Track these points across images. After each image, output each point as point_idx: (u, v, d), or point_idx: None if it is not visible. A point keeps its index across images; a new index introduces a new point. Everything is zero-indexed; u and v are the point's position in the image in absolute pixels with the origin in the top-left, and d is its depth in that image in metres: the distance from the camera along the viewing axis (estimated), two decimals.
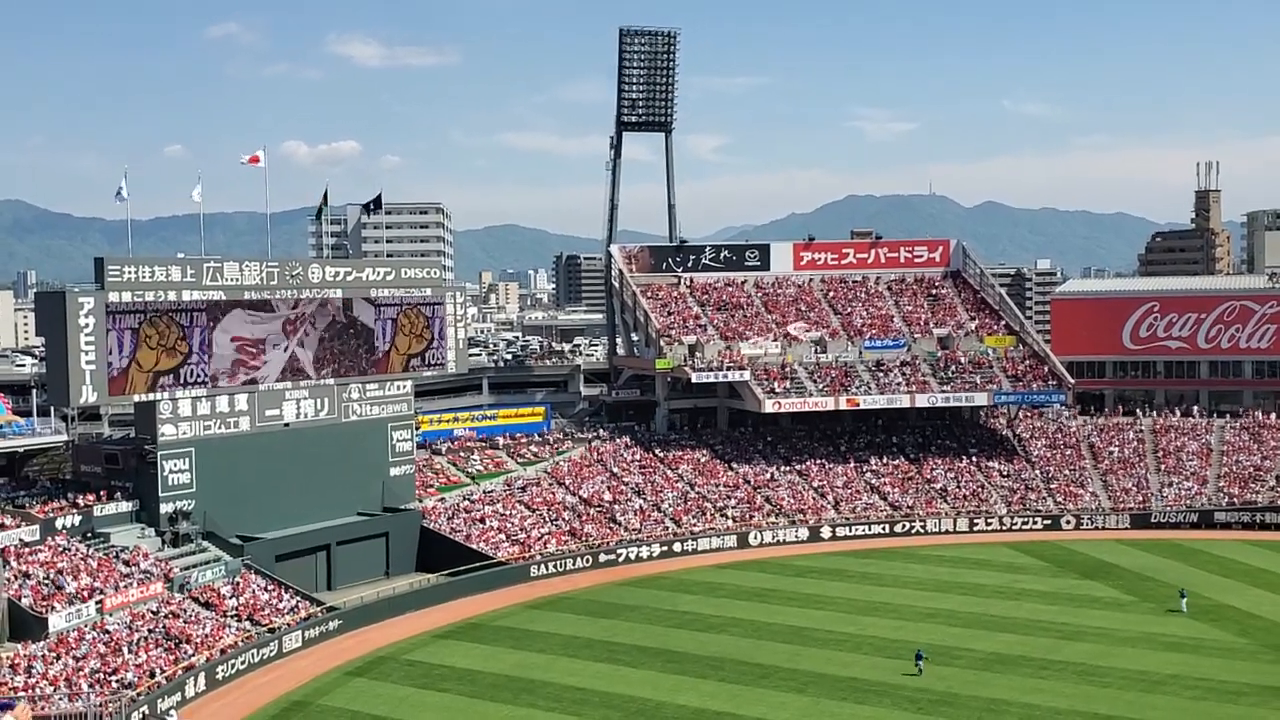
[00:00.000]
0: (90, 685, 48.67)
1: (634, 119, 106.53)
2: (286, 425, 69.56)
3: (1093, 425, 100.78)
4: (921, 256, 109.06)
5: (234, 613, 59.60)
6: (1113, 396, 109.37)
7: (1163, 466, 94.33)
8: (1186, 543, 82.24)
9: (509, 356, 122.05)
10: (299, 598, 63.06)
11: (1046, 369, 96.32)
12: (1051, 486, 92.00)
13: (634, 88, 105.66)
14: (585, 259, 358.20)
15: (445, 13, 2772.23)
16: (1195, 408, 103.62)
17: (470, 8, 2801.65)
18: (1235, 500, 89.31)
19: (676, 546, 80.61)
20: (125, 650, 52.33)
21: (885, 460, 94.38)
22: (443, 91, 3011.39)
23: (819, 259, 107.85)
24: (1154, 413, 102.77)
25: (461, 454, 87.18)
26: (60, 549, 58.57)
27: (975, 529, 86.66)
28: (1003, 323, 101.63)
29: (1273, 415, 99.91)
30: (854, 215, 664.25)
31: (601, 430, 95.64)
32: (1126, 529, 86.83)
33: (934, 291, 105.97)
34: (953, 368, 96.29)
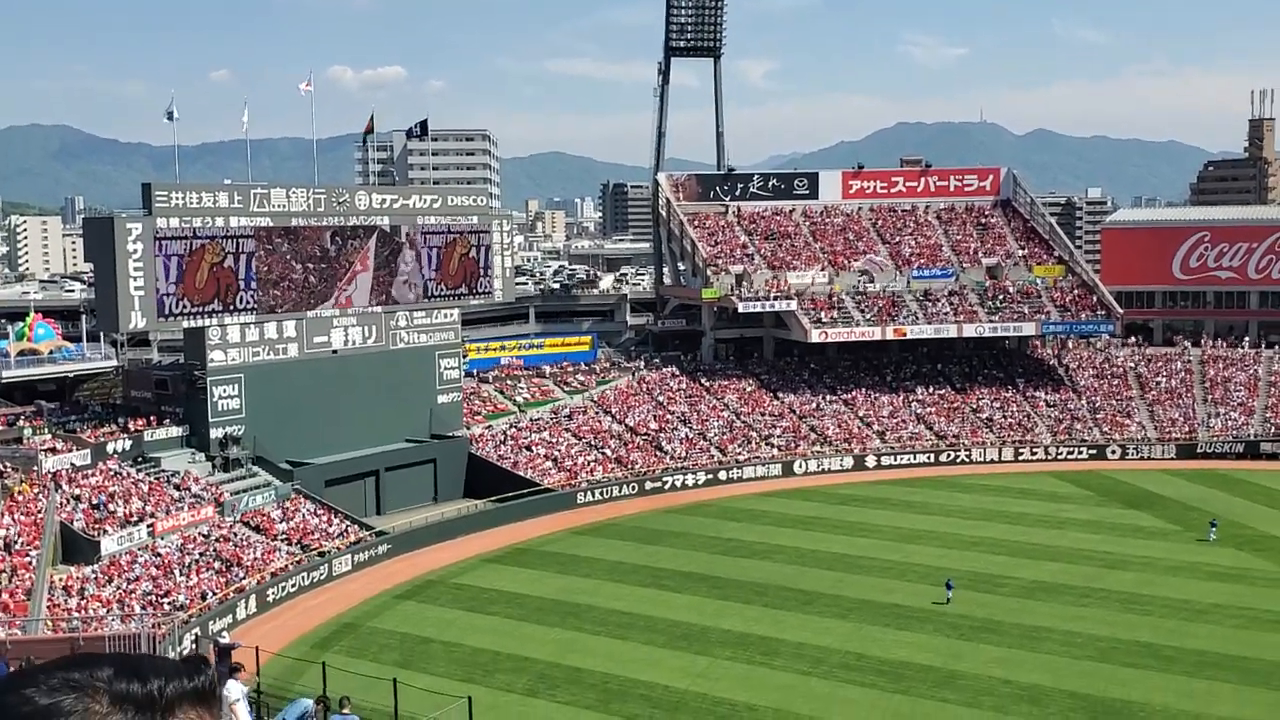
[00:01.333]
0: (142, 607, 49.63)
1: (682, 44, 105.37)
2: (334, 352, 70.18)
3: (1140, 355, 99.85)
4: (971, 185, 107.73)
5: (284, 536, 60.60)
6: (1161, 326, 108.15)
7: (1210, 397, 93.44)
8: (1232, 473, 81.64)
9: (556, 285, 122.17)
10: (348, 522, 63.99)
11: (1095, 299, 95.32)
12: (1098, 416, 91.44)
13: (682, 12, 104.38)
14: (632, 187, 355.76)
15: None
16: (1245, 339, 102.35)
17: None
18: None
19: (722, 475, 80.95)
20: (177, 573, 53.39)
21: (931, 390, 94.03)
22: (488, 16, 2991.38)
23: (868, 188, 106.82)
24: (1201, 344, 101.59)
25: (508, 382, 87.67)
26: (111, 473, 59.65)
27: (1020, 458, 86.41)
28: (1054, 253, 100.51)
29: None
30: (903, 143, 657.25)
31: (648, 359, 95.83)
32: (1172, 459, 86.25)
33: (983, 221, 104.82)
34: (1001, 298, 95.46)
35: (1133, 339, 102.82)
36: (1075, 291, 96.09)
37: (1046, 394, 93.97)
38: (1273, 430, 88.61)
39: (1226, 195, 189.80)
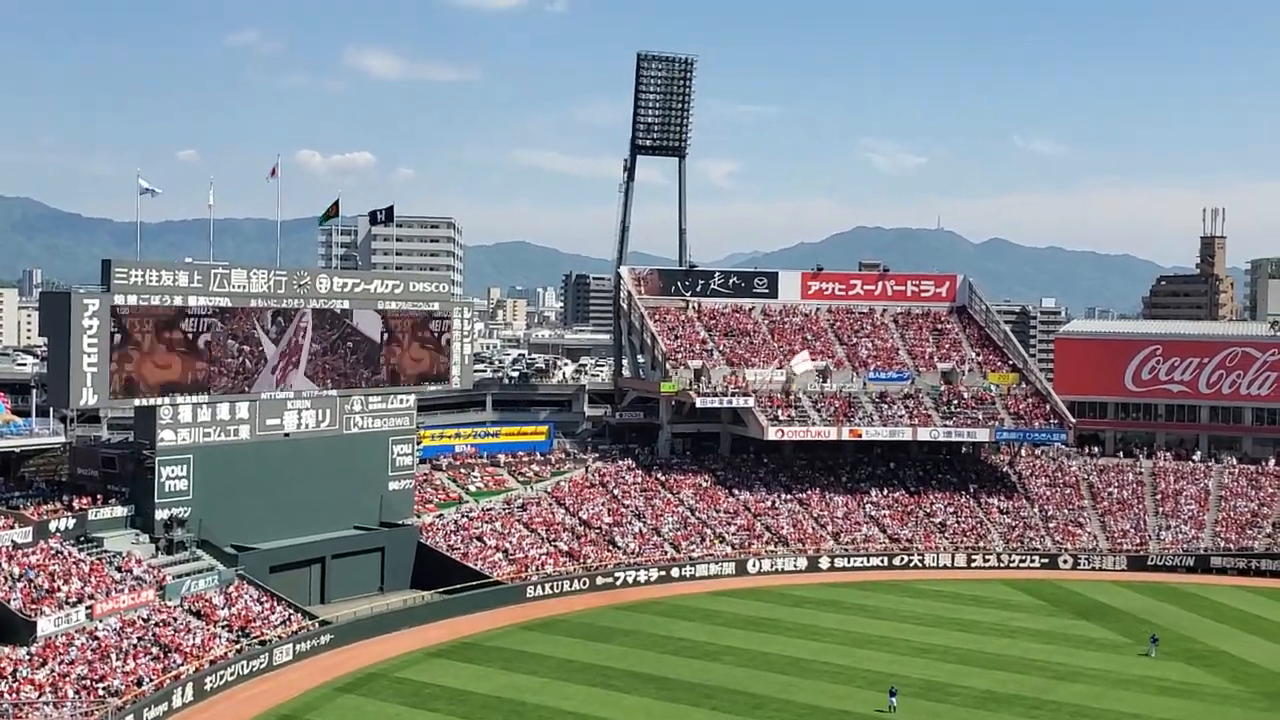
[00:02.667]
0: (76, 692, 48.43)
1: (648, 142, 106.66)
2: (287, 435, 69.44)
3: (1093, 465, 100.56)
4: (928, 291, 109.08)
5: (225, 623, 59.33)
6: (1113, 437, 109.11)
7: (1161, 509, 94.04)
8: (1182, 586, 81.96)
9: (514, 374, 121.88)
10: (292, 610, 62.79)
11: (1048, 407, 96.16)
12: (1050, 525, 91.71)
13: (649, 112, 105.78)
14: (595, 279, 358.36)
15: (465, 29, 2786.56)
16: (1194, 454, 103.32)
17: (490, 25, 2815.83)
18: (1232, 545, 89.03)
19: (674, 571, 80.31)
20: (114, 657, 52.10)
21: (886, 492, 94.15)
22: (459, 107, 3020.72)
23: (826, 289, 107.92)
24: (1154, 455, 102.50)
25: (462, 470, 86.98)
26: (53, 552, 58.37)
27: (973, 564, 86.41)
28: (1008, 361, 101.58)
29: (1271, 462, 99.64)
30: (862, 246, 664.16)
31: (604, 451, 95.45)
32: (1124, 570, 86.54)
33: (939, 326, 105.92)
34: (955, 403, 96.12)
35: (1085, 449, 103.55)
36: (1029, 400, 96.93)
37: (1000, 500, 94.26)
38: (1222, 545, 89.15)
39: (1179, 310, 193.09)
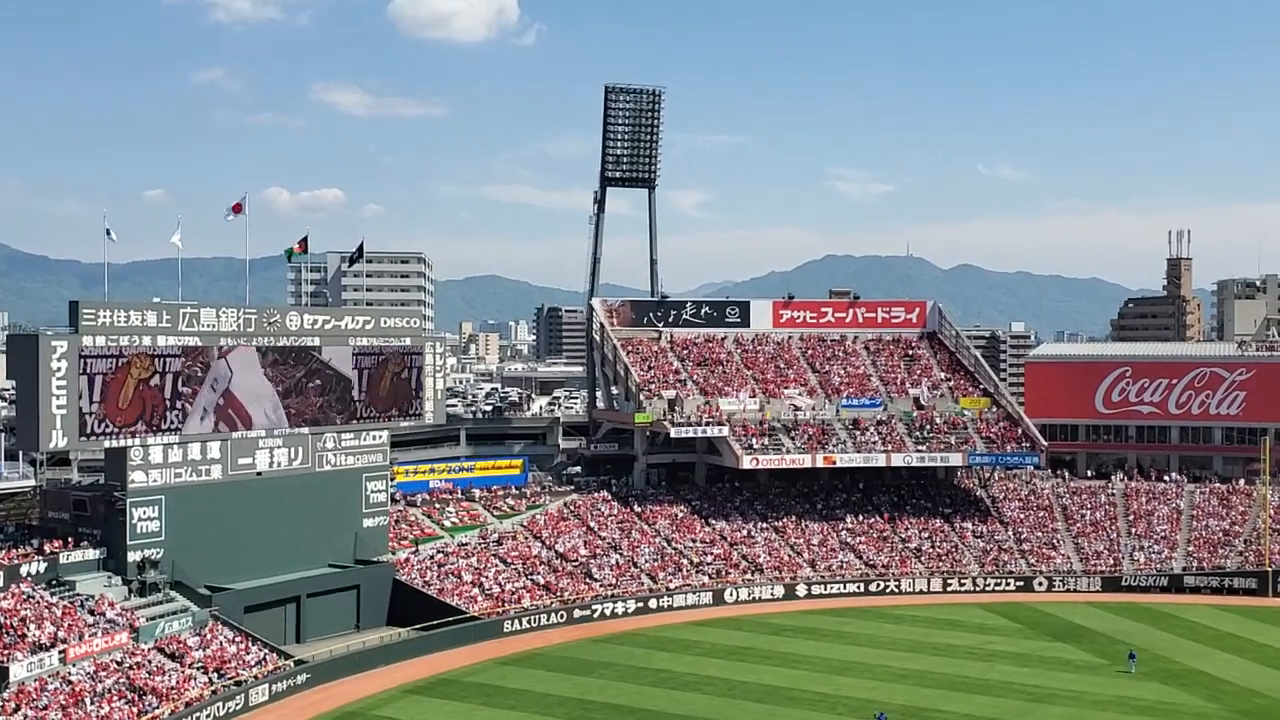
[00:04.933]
0: None
1: (617, 175, 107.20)
2: (259, 474, 69.11)
3: (1065, 487, 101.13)
4: (898, 317, 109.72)
5: (200, 664, 58.84)
6: (1085, 459, 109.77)
7: (1134, 530, 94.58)
8: (1156, 606, 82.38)
9: (488, 408, 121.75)
10: (267, 650, 62.34)
11: (1020, 431, 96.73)
12: (1024, 548, 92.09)
13: (618, 144, 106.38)
14: (566, 311, 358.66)
15: (432, 64, 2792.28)
16: (1167, 474, 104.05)
17: (457, 60, 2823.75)
18: (1204, 565, 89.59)
19: (652, 603, 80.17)
20: (88, 701, 51.61)
21: (861, 518, 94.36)
22: (427, 142, 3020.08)
23: (798, 317, 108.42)
24: (1125, 477, 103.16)
25: (437, 506, 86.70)
26: (24, 596, 57.82)
27: (949, 589, 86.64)
28: (979, 385, 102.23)
29: (1242, 481, 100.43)
30: (833, 275, 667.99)
31: (579, 484, 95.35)
32: (1098, 591, 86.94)
33: (910, 352, 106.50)
34: (928, 428, 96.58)
35: (1057, 472, 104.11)
36: (1000, 424, 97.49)
37: (973, 524, 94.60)
38: (1195, 565, 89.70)
39: (1147, 332, 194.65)
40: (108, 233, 68.99)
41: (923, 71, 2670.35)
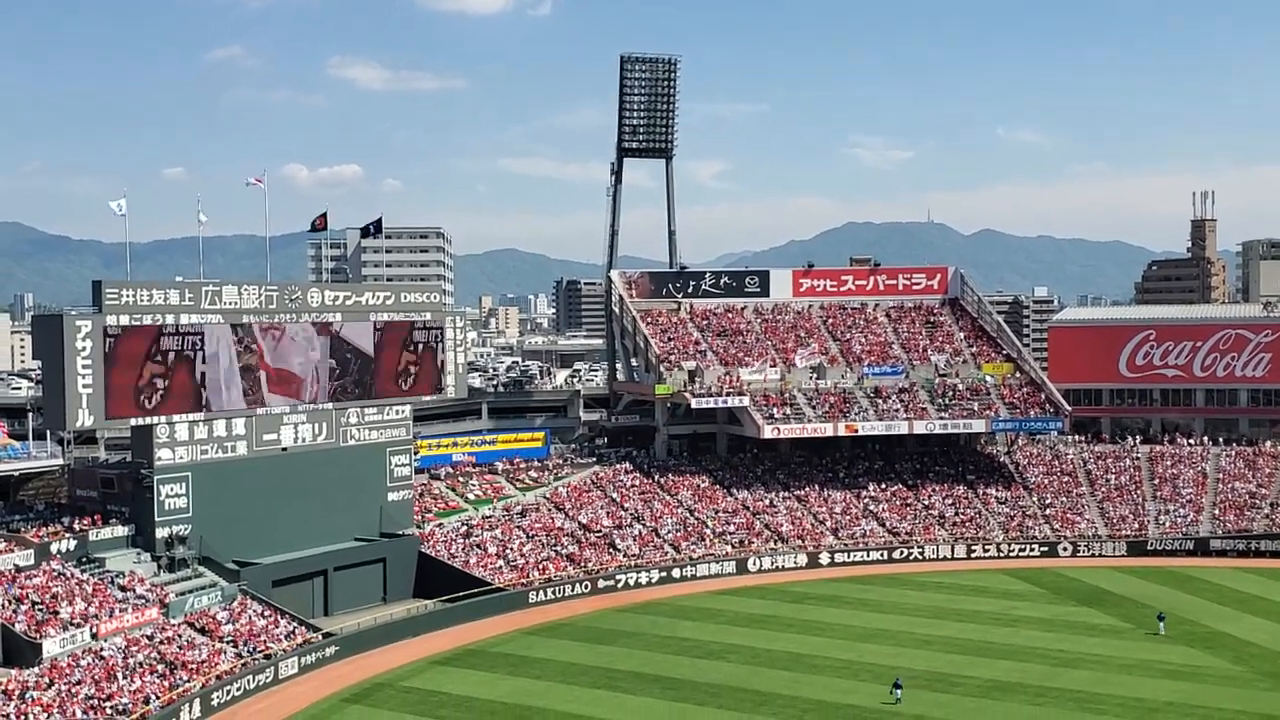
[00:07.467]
0: (84, 712, 48.59)
1: (634, 145, 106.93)
2: (284, 450, 69.57)
3: (1089, 452, 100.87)
4: (920, 284, 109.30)
5: (230, 639, 59.44)
6: (1109, 423, 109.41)
7: (1159, 494, 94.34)
8: (1182, 570, 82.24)
9: (508, 381, 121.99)
10: (295, 623, 62.90)
11: (1043, 396, 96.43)
12: (1048, 513, 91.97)
13: (635, 114, 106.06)
14: (585, 284, 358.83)
15: (448, 37, 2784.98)
16: (1191, 437, 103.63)
17: (473, 32, 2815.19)
18: (1230, 528, 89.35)
19: (675, 573, 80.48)
20: (120, 676, 52.19)
21: (883, 486, 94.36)
22: (444, 117, 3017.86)
23: (818, 286, 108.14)
24: (1150, 440, 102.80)
25: (460, 479, 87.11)
26: (55, 574, 58.46)
27: (973, 555, 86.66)
28: (1001, 351, 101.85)
29: (1268, 443, 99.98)
30: (853, 242, 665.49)
31: (601, 455, 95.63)
32: (1123, 555, 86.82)
33: (932, 319, 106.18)
34: (950, 395, 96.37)
35: (1082, 436, 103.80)
36: (1024, 389, 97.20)
37: (997, 491, 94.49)
38: (1221, 527, 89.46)
39: (1171, 294, 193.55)
40: (120, 213, 68.87)
41: (942, 36, 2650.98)
